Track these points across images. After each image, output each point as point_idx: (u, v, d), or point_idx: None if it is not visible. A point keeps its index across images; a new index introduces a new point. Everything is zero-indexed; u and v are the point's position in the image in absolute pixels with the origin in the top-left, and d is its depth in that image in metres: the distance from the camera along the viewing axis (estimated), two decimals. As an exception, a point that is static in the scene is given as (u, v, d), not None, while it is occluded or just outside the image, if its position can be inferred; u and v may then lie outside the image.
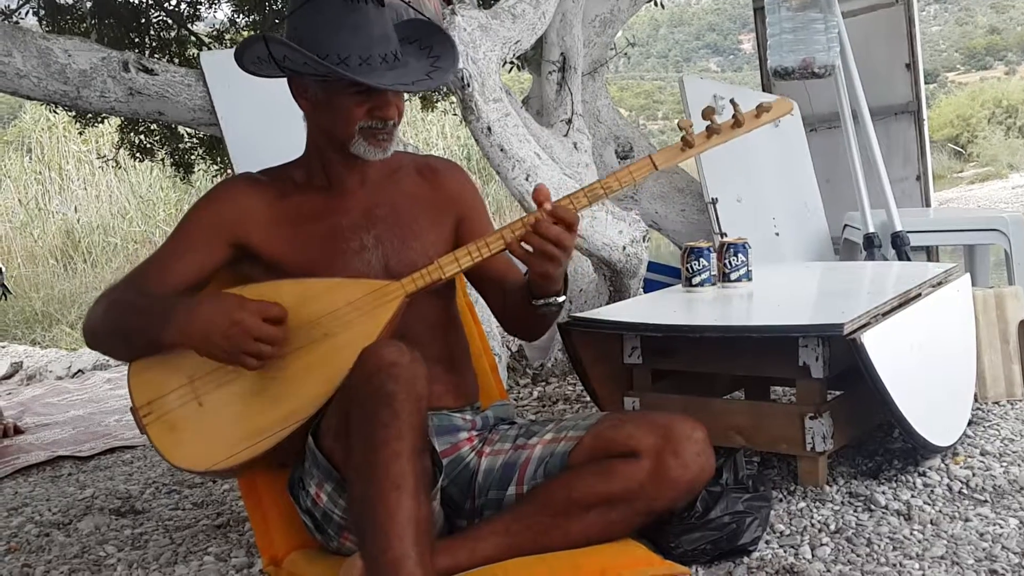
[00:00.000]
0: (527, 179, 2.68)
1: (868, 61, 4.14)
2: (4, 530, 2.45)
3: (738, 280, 2.50)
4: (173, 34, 4.47)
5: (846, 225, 4.06)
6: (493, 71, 2.71)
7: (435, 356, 1.58)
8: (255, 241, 1.62)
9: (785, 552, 1.75)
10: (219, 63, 2.96)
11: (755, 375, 2.45)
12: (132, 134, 4.58)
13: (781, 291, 2.58)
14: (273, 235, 1.62)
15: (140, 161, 4.93)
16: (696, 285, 2.49)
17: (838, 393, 2.17)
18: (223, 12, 4.96)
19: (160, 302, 1.55)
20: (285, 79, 1.63)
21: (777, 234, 3.94)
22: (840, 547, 1.76)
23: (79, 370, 5.20)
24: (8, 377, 5.40)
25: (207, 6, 4.60)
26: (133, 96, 2.94)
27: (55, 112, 4.92)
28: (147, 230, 11.12)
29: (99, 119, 4.43)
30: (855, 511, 1.92)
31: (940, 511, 1.89)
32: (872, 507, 1.93)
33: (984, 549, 1.70)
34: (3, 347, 6.29)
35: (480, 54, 2.66)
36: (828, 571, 1.66)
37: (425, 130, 13.40)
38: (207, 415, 1.49)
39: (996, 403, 2.59)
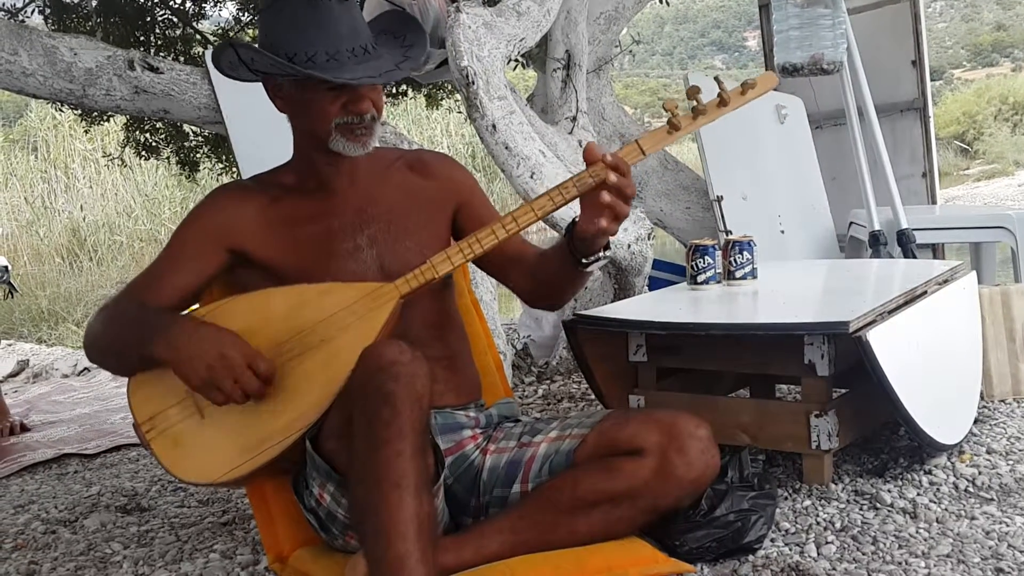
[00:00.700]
0: (532, 177, 2.68)
1: (874, 58, 4.13)
2: (11, 527, 2.45)
3: (743, 278, 2.50)
4: (178, 32, 4.47)
5: (852, 223, 4.05)
6: (498, 68, 2.70)
7: (435, 354, 1.58)
8: (249, 247, 1.62)
9: (790, 550, 1.75)
10: (224, 61, 2.96)
11: (760, 373, 2.45)
12: (138, 132, 4.59)
13: (786, 289, 2.58)
14: (267, 240, 1.62)
15: (145, 159, 4.94)
16: (701, 283, 2.49)
17: (843, 391, 2.16)
18: (228, 10, 4.96)
19: (157, 316, 1.54)
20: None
21: (782, 232, 3.93)
22: (846, 545, 1.75)
23: (85, 368, 5.20)
24: (14, 375, 5.41)
25: (212, 4, 4.61)
26: (138, 94, 2.94)
27: (61, 110, 4.93)
28: (153, 228, 11.15)
29: (105, 117, 4.44)
30: (861, 509, 1.92)
31: (946, 509, 1.88)
32: (878, 505, 1.93)
33: (990, 547, 1.69)
34: (9, 345, 6.30)
35: (485, 51, 2.65)
36: (833, 569, 1.66)
37: (429, 128, 13.41)
38: (209, 427, 1.49)
39: (1002, 401, 2.59)
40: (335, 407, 1.43)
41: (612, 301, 3.15)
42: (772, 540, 1.79)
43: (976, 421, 2.34)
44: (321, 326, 1.50)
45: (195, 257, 1.62)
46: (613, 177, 1.46)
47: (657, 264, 3.45)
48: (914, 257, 3.55)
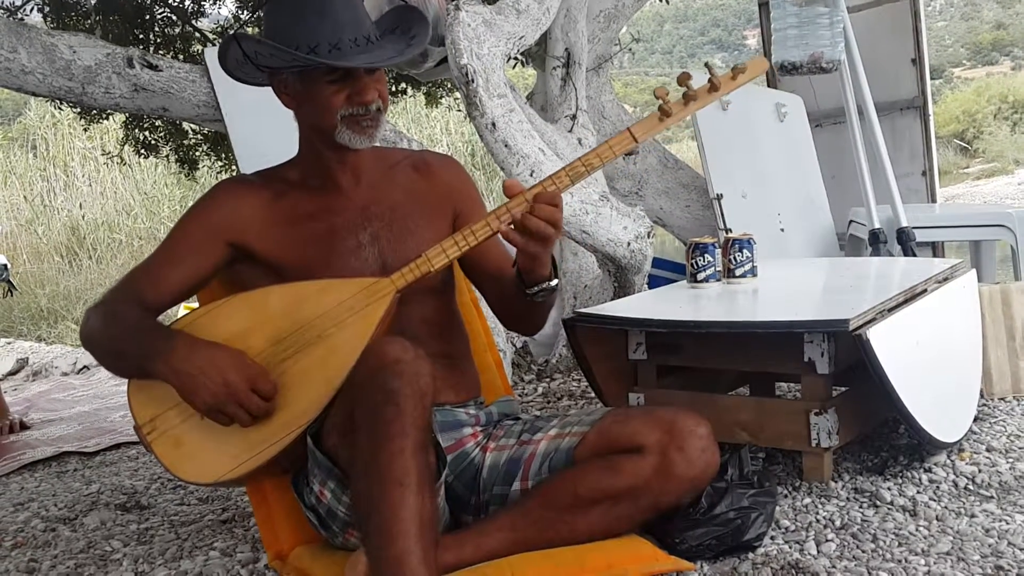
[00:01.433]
0: (531, 175, 2.68)
1: (873, 56, 4.13)
2: (11, 525, 2.45)
3: (743, 276, 2.50)
4: (177, 30, 4.47)
5: (851, 221, 4.05)
6: (497, 67, 2.70)
7: (434, 352, 1.58)
8: (251, 242, 1.62)
9: (790, 548, 1.75)
10: (224, 59, 2.95)
11: (760, 371, 2.45)
12: (137, 130, 4.58)
13: (786, 287, 2.58)
14: (269, 236, 1.62)
15: (145, 157, 4.94)
16: (701, 281, 2.49)
17: (843, 389, 2.16)
18: (227, 8, 4.96)
19: (156, 331, 1.54)
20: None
21: (782, 230, 3.93)
22: (845, 543, 1.75)
23: (84, 366, 5.20)
24: (14, 373, 5.41)
25: (212, 2, 4.61)
26: (138, 92, 2.94)
27: (60, 108, 4.93)
28: (152, 226, 11.14)
29: (104, 115, 4.44)
30: (860, 507, 1.92)
31: (946, 507, 1.88)
32: (877, 503, 1.93)
33: (990, 545, 1.69)
34: (9, 343, 6.30)
35: (484, 50, 2.65)
36: (833, 567, 1.66)
37: (429, 126, 13.40)
38: (209, 428, 1.49)
39: (1002, 399, 2.59)
40: (337, 404, 1.43)
41: (612, 299, 3.15)
42: (772, 538, 1.79)
43: (976, 419, 2.34)
44: (318, 322, 1.50)
45: (195, 251, 1.62)
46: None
47: (657, 262, 3.45)
48: (914, 255, 3.55)
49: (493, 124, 2.65)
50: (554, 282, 1.57)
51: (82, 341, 1.60)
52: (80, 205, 11.46)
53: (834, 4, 3.54)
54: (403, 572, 1.27)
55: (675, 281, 2.91)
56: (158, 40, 4.36)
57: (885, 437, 2.32)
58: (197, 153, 4.74)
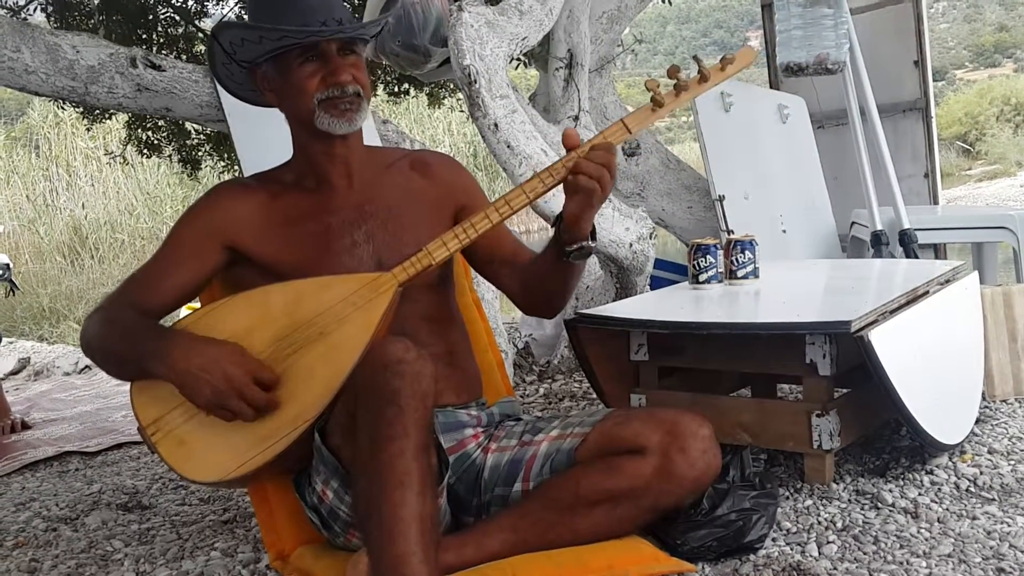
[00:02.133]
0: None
1: (876, 58, 4.13)
2: (12, 524, 2.45)
3: (745, 277, 2.50)
4: (180, 30, 4.47)
5: (853, 223, 4.05)
6: (500, 67, 2.70)
7: (436, 353, 1.58)
8: (247, 244, 1.62)
9: (792, 550, 1.74)
10: (226, 59, 2.95)
11: (762, 372, 2.44)
12: (139, 130, 4.59)
13: (788, 288, 2.58)
14: (265, 237, 1.62)
15: (147, 157, 4.94)
16: (703, 282, 2.49)
17: (845, 391, 2.16)
18: (230, 8, 4.96)
19: (154, 332, 1.54)
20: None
21: (784, 231, 3.93)
22: (847, 545, 1.75)
23: (86, 366, 5.20)
24: (15, 373, 5.42)
25: (215, 2, 4.61)
26: (141, 92, 2.94)
27: (63, 108, 4.94)
28: (154, 226, 11.16)
29: (107, 115, 4.44)
30: (862, 509, 1.92)
31: (947, 509, 1.88)
32: (879, 505, 1.92)
33: (991, 547, 1.69)
34: (11, 343, 6.30)
35: (487, 50, 2.65)
36: (835, 569, 1.66)
37: (431, 127, 13.42)
38: (213, 426, 1.49)
39: (1004, 401, 2.58)
40: (339, 404, 1.43)
41: (614, 300, 3.15)
42: (773, 539, 1.79)
43: (978, 421, 2.34)
44: (320, 319, 1.50)
45: (193, 254, 1.62)
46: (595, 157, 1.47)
47: (659, 263, 3.45)
48: (916, 257, 3.54)
49: (495, 125, 2.65)
50: (593, 242, 1.58)
51: (83, 348, 1.60)
52: (82, 205, 11.49)
53: (838, 5, 3.53)
54: (404, 573, 1.27)
55: (677, 282, 2.91)
56: (161, 40, 4.37)
57: (887, 439, 2.32)
58: (200, 153, 4.74)
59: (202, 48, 4.35)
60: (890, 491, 1.98)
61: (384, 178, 1.71)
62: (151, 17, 4.31)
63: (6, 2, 4.08)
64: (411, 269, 1.53)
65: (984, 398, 2.53)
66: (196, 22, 4.53)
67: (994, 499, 1.92)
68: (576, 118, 3.44)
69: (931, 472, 2.07)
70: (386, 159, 1.75)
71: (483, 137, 2.73)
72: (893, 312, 2.07)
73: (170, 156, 4.82)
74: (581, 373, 3.33)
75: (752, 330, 2.08)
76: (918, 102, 4.56)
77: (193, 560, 2.03)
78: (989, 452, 2.18)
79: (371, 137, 2.90)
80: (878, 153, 3.77)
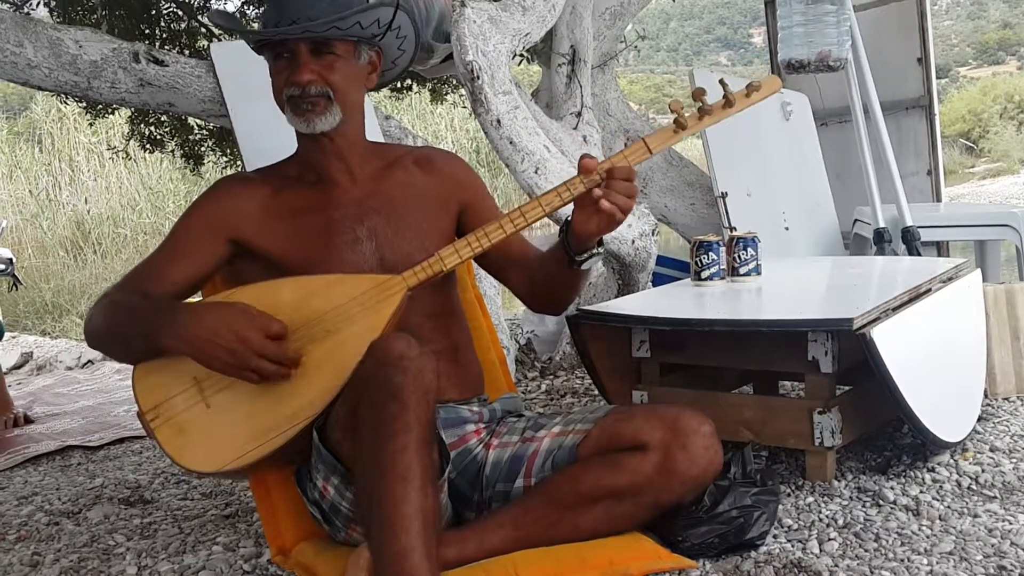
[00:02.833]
0: (536, 172, 2.68)
1: (879, 55, 4.12)
2: (14, 518, 2.46)
3: (747, 274, 2.50)
4: (183, 25, 4.47)
5: (856, 220, 4.05)
6: (503, 64, 2.70)
7: (438, 349, 1.58)
8: (249, 237, 1.63)
9: (793, 546, 1.75)
10: (229, 54, 2.95)
11: (764, 369, 2.44)
12: (142, 125, 4.58)
13: (790, 285, 2.57)
14: (267, 231, 1.63)
15: (150, 152, 4.94)
16: (705, 279, 2.49)
17: (847, 388, 2.16)
18: (233, 3, 4.96)
19: (160, 306, 1.54)
20: None
21: (787, 228, 3.92)
22: (848, 542, 1.75)
23: (89, 360, 5.21)
24: (18, 367, 5.42)
25: (217, -2, 4.61)
26: (143, 87, 2.94)
27: (65, 103, 4.94)
28: (157, 221, 11.16)
29: (109, 110, 4.43)
30: (863, 506, 1.92)
31: (949, 507, 1.88)
32: (880, 502, 1.93)
33: (993, 545, 1.69)
34: (13, 337, 6.31)
35: (490, 47, 2.65)
36: (836, 566, 1.66)
37: (434, 122, 13.41)
38: (214, 416, 1.49)
39: (1006, 399, 2.58)
40: (341, 399, 1.43)
41: (616, 297, 3.16)
42: (775, 536, 1.79)
43: (980, 419, 2.33)
44: (328, 316, 1.50)
45: (196, 247, 1.63)
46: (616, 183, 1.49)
47: (661, 260, 3.45)
48: (918, 255, 3.54)
49: (498, 121, 2.65)
50: (602, 249, 1.61)
51: (87, 337, 1.60)
52: (85, 200, 11.49)
53: (840, 2, 3.52)
54: (406, 568, 1.27)
55: (679, 279, 2.91)
56: (164, 35, 4.37)
57: (888, 436, 2.32)
58: (202, 148, 4.74)
59: (205, 43, 4.34)
60: (891, 488, 1.98)
61: (387, 174, 1.71)
62: (154, 12, 4.31)
63: (9, -4, 4.08)
64: (421, 274, 1.54)
65: (986, 396, 2.53)
66: (199, 17, 4.53)
67: (996, 497, 1.92)
68: (579, 114, 3.44)
69: (933, 470, 2.07)
70: (390, 155, 1.75)
71: (486, 133, 2.73)
72: (895, 309, 2.06)
73: (173, 151, 4.82)
74: (583, 369, 3.33)
75: (754, 327, 2.08)
76: (921, 99, 4.55)
77: (195, 554, 2.04)
78: (991, 450, 2.18)
79: (374, 133, 2.90)
80: (881, 150, 3.76)
